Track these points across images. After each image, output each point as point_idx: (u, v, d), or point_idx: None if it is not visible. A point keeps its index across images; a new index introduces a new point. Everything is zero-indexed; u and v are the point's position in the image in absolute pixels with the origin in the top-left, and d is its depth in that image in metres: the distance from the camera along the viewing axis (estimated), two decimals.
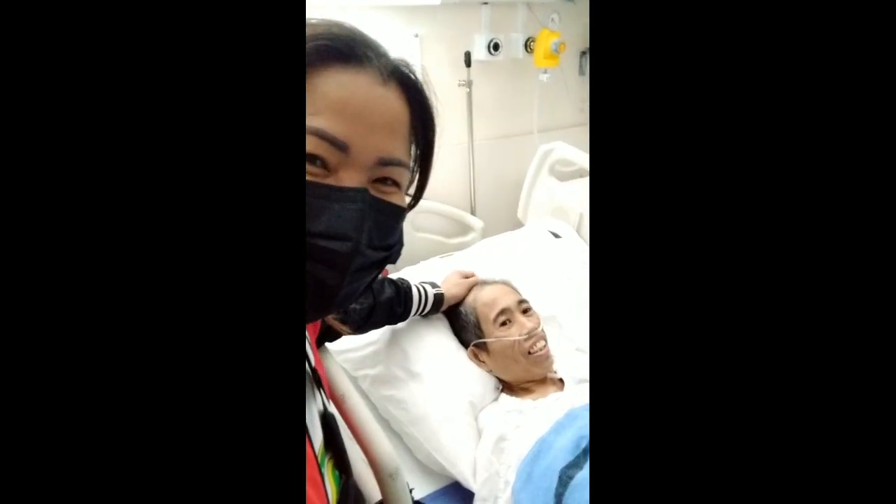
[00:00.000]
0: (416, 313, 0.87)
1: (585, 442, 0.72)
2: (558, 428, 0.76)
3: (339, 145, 0.36)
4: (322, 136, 0.36)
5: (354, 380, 0.89)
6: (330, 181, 0.37)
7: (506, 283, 0.94)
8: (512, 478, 0.73)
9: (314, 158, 0.36)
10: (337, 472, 0.47)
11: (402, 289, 0.84)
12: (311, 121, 0.35)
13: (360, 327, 0.79)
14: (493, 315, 0.86)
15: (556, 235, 1.19)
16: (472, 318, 0.88)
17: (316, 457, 0.41)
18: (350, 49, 0.38)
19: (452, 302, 0.91)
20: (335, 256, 0.37)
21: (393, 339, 0.88)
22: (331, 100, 0.36)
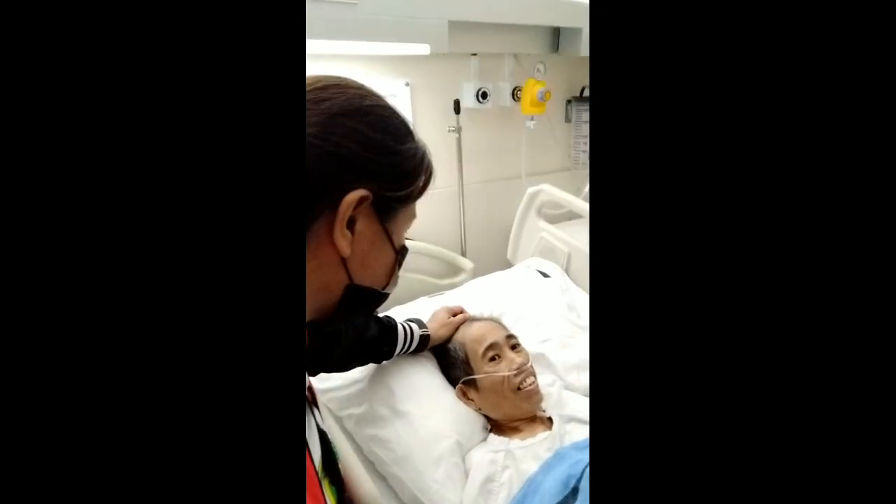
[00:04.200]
0: (400, 352, 0.86)
1: (574, 481, 0.70)
2: (546, 468, 0.74)
3: None
4: None
5: (339, 420, 0.87)
6: None
7: (494, 320, 0.94)
8: None
9: None
10: (334, 488, 0.49)
11: (388, 327, 0.83)
12: None
13: (345, 365, 0.78)
14: (481, 350, 0.85)
15: (545, 275, 1.20)
16: (461, 354, 0.87)
17: (317, 473, 0.42)
18: None
19: (438, 342, 0.91)
20: None
21: (379, 378, 0.87)
22: None
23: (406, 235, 0.52)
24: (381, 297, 0.52)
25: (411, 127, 0.48)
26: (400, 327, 0.85)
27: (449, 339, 0.91)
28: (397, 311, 1.06)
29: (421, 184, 0.49)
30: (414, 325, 0.88)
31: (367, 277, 0.48)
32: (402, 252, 0.51)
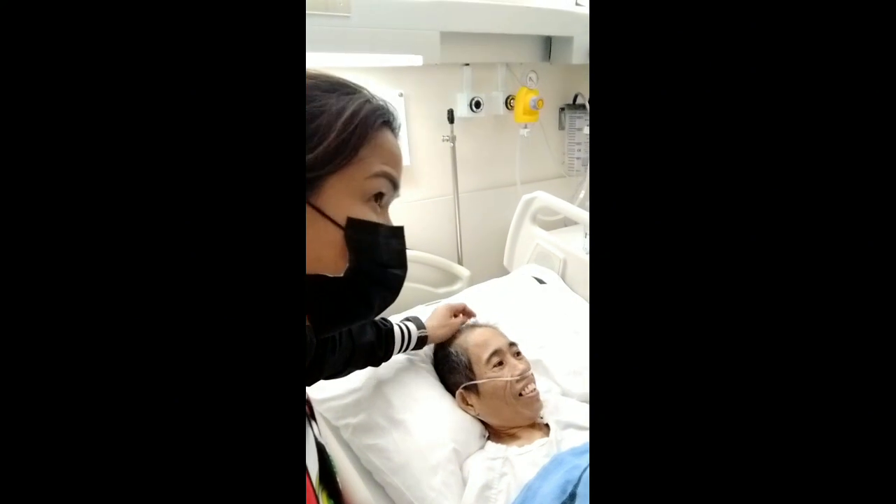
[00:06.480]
0: (398, 352, 0.87)
1: (571, 486, 0.70)
2: (544, 474, 0.74)
3: (396, 187, 0.49)
4: (391, 179, 0.47)
5: (336, 429, 0.87)
6: (382, 220, 0.47)
7: (494, 327, 0.95)
8: None
9: (380, 195, 0.47)
10: (332, 501, 0.48)
11: (384, 331, 0.84)
12: (383, 167, 0.46)
13: (341, 371, 0.78)
14: (486, 356, 0.85)
15: (541, 281, 1.20)
16: (463, 359, 0.87)
17: (314, 489, 0.42)
18: (392, 116, 0.50)
19: (436, 342, 0.92)
20: (398, 281, 0.50)
21: (376, 387, 0.87)
22: (392, 154, 0.48)
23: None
24: (341, 283, 0.45)
25: (345, 82, 0.48)
26: (397, 329, 0.86)
27: (447, 341, 0.92)
28: (394, 320, 1.06)
29: (354, 140, 0.43)
30: (412, 325, 0.89)
31: (310, 264, 0.42)
32: (352, 225, 0.44)
